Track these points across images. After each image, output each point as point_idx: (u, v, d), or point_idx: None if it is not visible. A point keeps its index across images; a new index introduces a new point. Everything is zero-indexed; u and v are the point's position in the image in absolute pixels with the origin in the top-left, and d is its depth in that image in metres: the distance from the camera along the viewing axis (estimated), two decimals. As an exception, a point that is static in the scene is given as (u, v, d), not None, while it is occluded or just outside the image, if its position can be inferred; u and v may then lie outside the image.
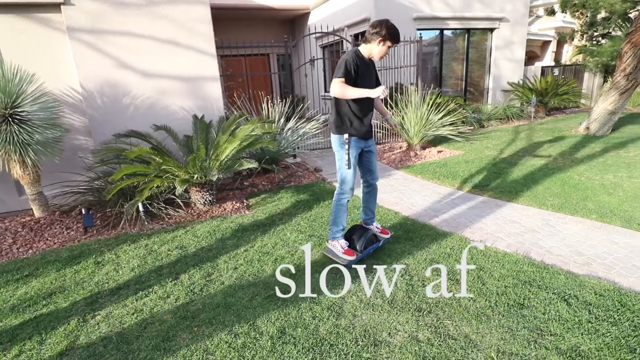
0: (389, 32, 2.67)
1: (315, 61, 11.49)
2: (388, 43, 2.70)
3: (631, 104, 11.55)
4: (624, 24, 11.39)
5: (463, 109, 7.66)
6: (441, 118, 6.47)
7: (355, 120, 2.79)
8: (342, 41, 9.50)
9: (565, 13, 12.80)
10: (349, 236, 3.05)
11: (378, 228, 3.25)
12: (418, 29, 8.82)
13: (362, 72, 2.68)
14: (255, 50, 9.96)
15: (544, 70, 11.28)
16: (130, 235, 3.68)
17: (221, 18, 11.78)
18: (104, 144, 4.41)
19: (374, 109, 3.02)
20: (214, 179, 3.82)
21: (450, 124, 6.68)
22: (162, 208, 4.16)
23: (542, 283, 2.62)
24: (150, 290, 2.70)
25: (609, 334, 2.10)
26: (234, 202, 4.47)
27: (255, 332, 2.19)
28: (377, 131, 7.52)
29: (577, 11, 11.95)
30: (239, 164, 3.85)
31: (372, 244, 3.09)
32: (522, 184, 4.65)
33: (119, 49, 4.63)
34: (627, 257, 3.00)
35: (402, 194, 4.66)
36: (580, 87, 11.95)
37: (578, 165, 5.12)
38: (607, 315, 2.25)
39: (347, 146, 2.79)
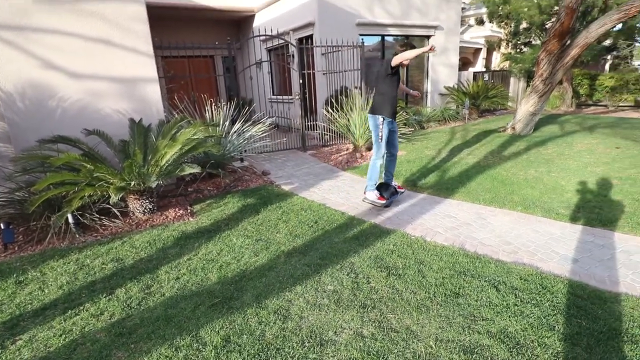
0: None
1: (262, 64, 11.42)
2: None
3: (550, 106, 12.86)
4: (542, 34, 12.66)
5: (404, 111, 8.02)
6: (384, 120, 6.71)
7: (392, 104, 3.93)
8: (287, 44, 9.53)
9: (493, 23, 13.93)
10: (378, 189, 4.23)
11: (396, 185, 4.48)
12: (360, 35, 9.10)
13: (397, 71, 3.94)
14: (198, 52, 9.66)
15: (475, 75, 12.18)
16: (58, 250, 3.38)
17: (163, 18, 11.27)
18: (27, 151, 4.01)
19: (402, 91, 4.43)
20: (153, 185, 3.63)
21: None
22: (96, 219, 3.87)
23: (475, 272, 2.82)
24: (81, 308, 2.49)
25: (532, 314, 2.31)
26: (177, 209, 4.29)
27: (198, 343, 2.11)
28: (325, 134, 7.64)
29: (502, 21, 13.08)
30: (180, 169, 3.69)
31: (394, 195, 4.33)
32: (457, 181, 4.98)
33: (44, 48, 4.24)
34: (547, 244, 3.33)
35: (349, 195, 4.77)
36: (507, 91, 13.08)
37: (505, 162, 5.60)
38: (530, 298, 2.48)
39: (381, 126, 3.96)
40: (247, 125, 5.84)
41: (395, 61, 3.72)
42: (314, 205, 4.33)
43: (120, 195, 3.51)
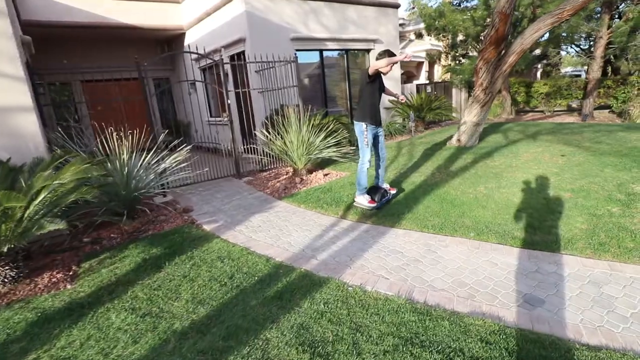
0: (389, 55, 3.94)
1: (195, 84, 10.56)
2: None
3: (491, 114, 13.08)
4: (478, 45, 12.95)
5: (346, 129, 7.45)
6: (323, 139, 6.12)
7: (373, 110, 4.15)
8: (221, 63, 8.78)
9: (431, 36, 14.12)
10: (369, 192, 4.40)
11: (387, 187, 4.63)
12: (297, 49, 8.57)
13: (378, 78, 4.15)
14: (120, 75, 8.60)
15: (418, 87, 12.12)
16: None
17: (85, 38, 10.14)
18: None
19: (387, 95, 4.57)
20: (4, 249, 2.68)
21: (335, 144, 6.37)
22: None
23: (425, 337, 2.17)
24: None
25: (500, 403, 1.68)
26: (54, 272, 3.31)
27: None
28: (262, 157, 6.90)
29: (440, 34, 13.25)
30: (38, 227, 2.77)
31: (384, 197, 4.47)
32: (403, 204, 4.42)
33: None
34: (507, 280, 2.80)
35: (281, 232, 4.04)
36: (451, 102, 13.17)
37: (453, 179, 5.15)
38: (495, 374, 1.86)
39: (365, 132, 4.14)
40: (160, 155, 4.94)
41: (371, 69, 3.92)
42: (234, 252, 3.54)
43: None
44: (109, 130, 4.55)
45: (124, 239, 4.14)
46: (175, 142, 5.36)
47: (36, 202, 2.85)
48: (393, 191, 4.66)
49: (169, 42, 11.95)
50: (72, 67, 10.38)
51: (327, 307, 2.53)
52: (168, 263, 3.35)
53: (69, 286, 3.10)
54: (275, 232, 4.05)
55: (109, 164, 4.23)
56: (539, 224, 3.63)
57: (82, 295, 2.90)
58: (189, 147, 5.22)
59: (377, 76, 4.10)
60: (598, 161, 5.19)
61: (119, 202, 4.32)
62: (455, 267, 3.04)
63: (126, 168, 4.26)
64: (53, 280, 3.21)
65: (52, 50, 10.00)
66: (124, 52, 11.09)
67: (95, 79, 10.64)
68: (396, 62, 3.84)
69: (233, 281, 2.96)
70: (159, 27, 10.47)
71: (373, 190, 4.46)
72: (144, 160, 4.58)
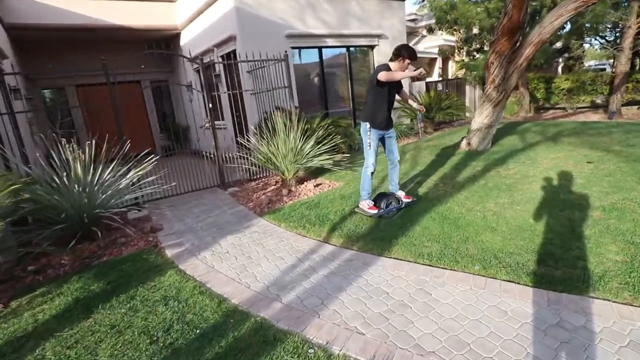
0: (407, 53, 3.66)
1: (191, 87, 10.08)
2: (407, 60, 3.69)
3: (508, 112, 12.15)
4: (492, 38, 12.03)
5: (343, 134, 6.78)
6: (313, 146, 5.48)
7: (378, 113, 3.85)
8: (213, 64, 8.26)
9: (442, 30, 13.27)
10: (375, 199, 4.13)
11: (401, 195, 4.24)
12: (293, 47, 7.98)
13: (384, 84, 3.74)
14: (113, 78, 8.18)
15: (428, 85, 11.32)
16: None
17: (78, 41, 9.83)
18: None
19: (403, 99, 4.25)
20: None
21: (327, 151, 5.72)
22: None
23: None
24: None
25: None
26: (-26, 314, 2.80)
27: None
28: (249, 167, 6.31)
29: (451, 27, 12.39)
30: None
31: (393, 205, 4.05)
32: (397, 225, 3.75)
33: None
34: (519, 339, 2.12)
35: (249, 260, 3.43)
36: (464, 100, 12.31)
37: (459, 192, 4.44)
38: None
39: (369, 133, 3.86)
40: (124, 169, 4.41)
41: (382, 77, 3.59)
42: (185, 289, 2.95)
43: None
44: (64, 142, 4.05)
45: (74, 267, 3.62)
46: (146, 151, 4.82)
47: None
48: (408, 199, 4.24)
49: (165, 42, 11.53)
50: (64, 71, 10.14)
51: (274, 382, 1.91)
52: (102, 305, 2.78)
53: (-22, 336, 2.57)
54: (243, 260, 3.44)
55: (57, 181, 3.71)
56: (562, 253, 2.91)
57: (-18, 351, 2.36)
58: (155, 159, 4.66)
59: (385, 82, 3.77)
60: (632, 170, 4.38)
61: (72, 224, 3.80)
62: (452, 317, 2.37)
63: (76, 185, 3.73)
64: (-34, 325, 2.69)
65: (46, 55, 9.73)
66: (118, 55, 10.73)
67: (89, 83, 10.42)
68: (411, 76, 3.61)
69: (168, 335, 2.36)
70: (154, 27, 10.06)
71: (380, 197, 4.15)
72: (100, 175, 4.04)
